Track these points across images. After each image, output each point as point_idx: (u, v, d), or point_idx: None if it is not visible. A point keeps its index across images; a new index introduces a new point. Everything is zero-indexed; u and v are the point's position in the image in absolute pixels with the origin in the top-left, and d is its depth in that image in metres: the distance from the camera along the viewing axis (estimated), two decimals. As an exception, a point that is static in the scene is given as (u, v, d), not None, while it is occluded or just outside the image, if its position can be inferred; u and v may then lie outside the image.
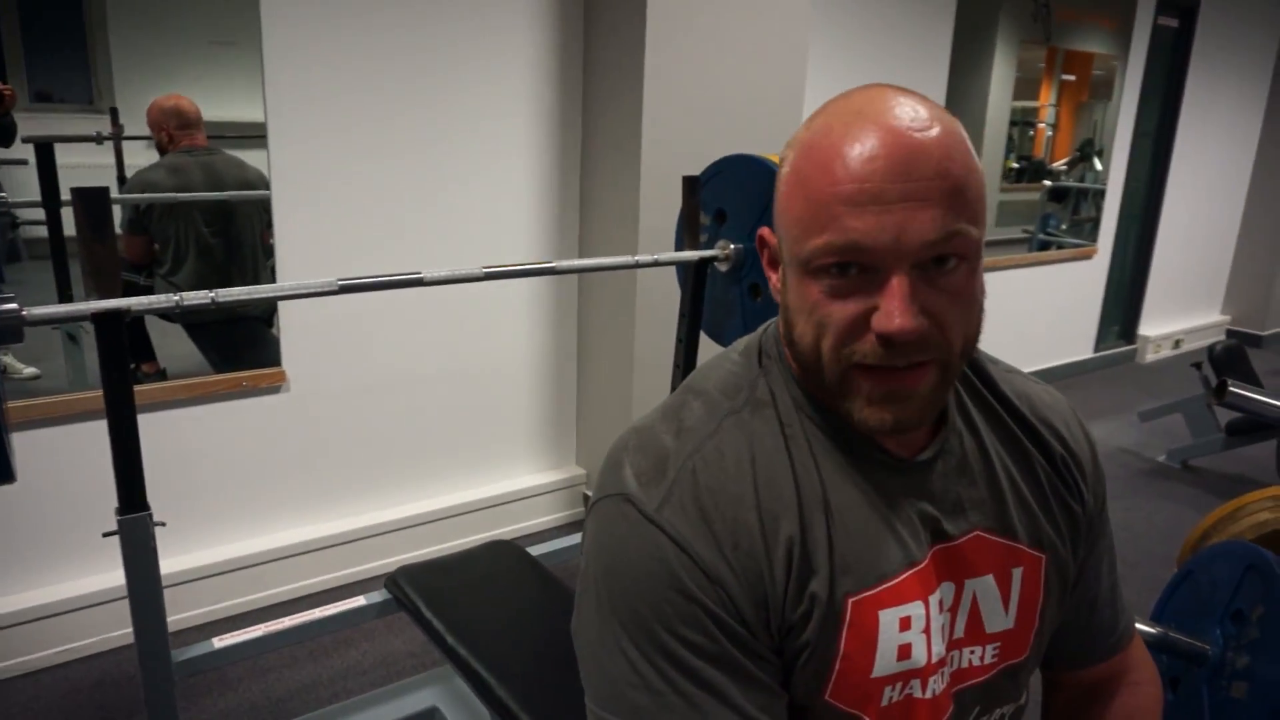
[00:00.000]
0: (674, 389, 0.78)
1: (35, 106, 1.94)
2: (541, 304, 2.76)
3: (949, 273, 0.63)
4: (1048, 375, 4.67)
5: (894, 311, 0.61)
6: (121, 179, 2.10)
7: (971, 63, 3.95)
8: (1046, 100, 4.60)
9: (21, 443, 1.98)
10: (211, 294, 1.24)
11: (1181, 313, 5.63)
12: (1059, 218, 4.82)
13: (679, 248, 1.97)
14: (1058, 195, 4.81)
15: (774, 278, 0.72)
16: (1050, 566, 0.77)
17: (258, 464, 2.34)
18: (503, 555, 1.80)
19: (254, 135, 2.17)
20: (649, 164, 2.49)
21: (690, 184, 1.86)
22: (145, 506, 1.22)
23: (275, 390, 2.31)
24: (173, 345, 2.24)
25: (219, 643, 1.54)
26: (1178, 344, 5.53)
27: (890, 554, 0.69)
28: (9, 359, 2.03)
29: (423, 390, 2.57)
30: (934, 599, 0.71)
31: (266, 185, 2.19)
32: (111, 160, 2.06)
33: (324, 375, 2.38)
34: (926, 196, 0.60)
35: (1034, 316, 4.60)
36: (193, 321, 2.27)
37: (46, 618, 2.05)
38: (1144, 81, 4.75)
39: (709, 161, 1.92)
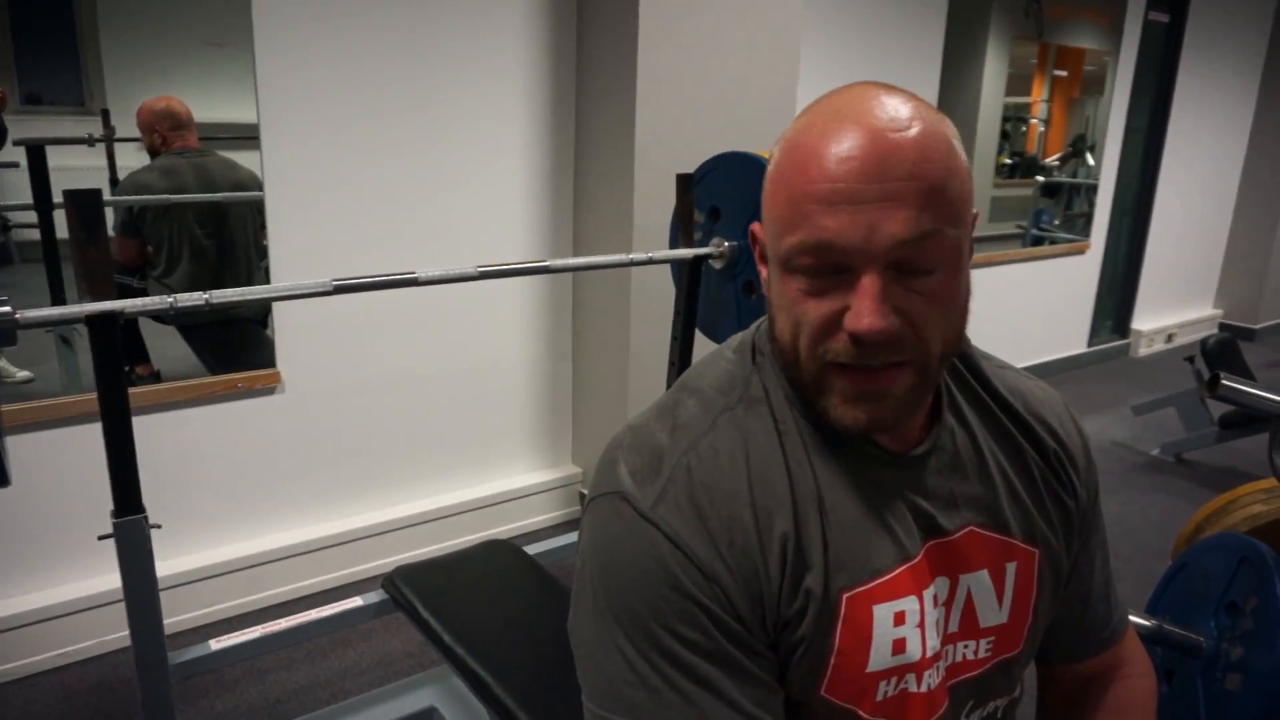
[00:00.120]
0: (669, 387, 0.79)
1: (26, 109, 1.93)
2: (536, 303, 2.76)
3: (924, 274, 0.63)
4: (1042, 370, 4.69)
5: (864, 311, 0.61)
6: (114, 181, 2.09)
7: (964, 59, 3.96)
8: (1039, 96, 4.61)
9: (16, 446, 1.97)
10: (206, 295, 1.24)
11: (1174, 307, 5.65)
12: (1052, 213, 4.84)
13: (673, 245, 1.98)
14: (1050, 191, 4.83)
15: (764, 272, 0.73)
16: (1044, 561, 0.78)
17: (253, 465, 2.33)
18: (499, 554, 1.80)
19: (247, 136, 2.16)
20: (643, 162, 2.49)
21: (684, 182, 1.86)
22: (141, 509, 1.22)
23: (270, 391, 2.31)
24: (167, 347, 2.24)
25: (216, 644, 1.54)
26: (1171, 338, 5.55)
27: (884, 549, 0.70)
28: (2, 363, 2.02)
29: (418, 390, 2.57)
30: (928, 594, 0.71)
31: (259, 186, 2.19)
32: (104, 162, 2.05)
33: (319, 376, 2.38)
34: (900, 196, 0.60)
35: (1028, 312, 4.61)
36: (187, 323, 2.26)
37: (42, 621, 2.04)
38: (1135, 77, 4.77)
39: (703, 159, 1.93)
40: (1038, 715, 0.93)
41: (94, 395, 1.16)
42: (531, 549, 1.90)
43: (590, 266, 1.72)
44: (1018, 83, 4.35)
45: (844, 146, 0.61)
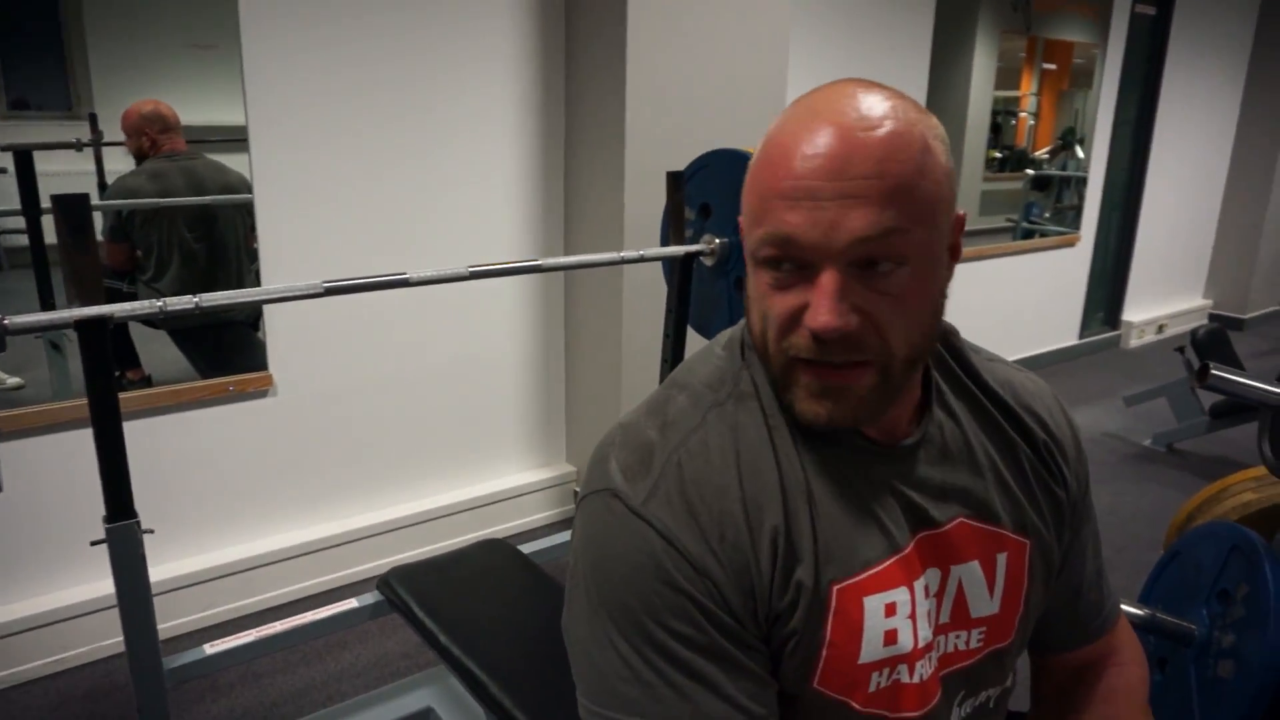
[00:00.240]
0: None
1: (13, 114, 1.92)
2: (528, 302, 2.76)
3: (886, 274, 0.63)
4: (1034, 362, 4.70)
5: (821, 309, 0.62)
6: (102, 185, 2.08)
7: (953, 54, 3.97)
8: (1028, 89, 4.63)
9: (7, 453, 1.96)
10: (195, 299, 1.24)
11: (1164, 298, 5.67)
12: (1042, 206, 4.85)
13: (664, 243, 1.98)
14: (1040, 184, 4.85)
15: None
16: (1034, 551, 0.78)
17: (246, 469, 2.33)
18: (494, 554, 1.80)
19: (235, 139, 2.16)
20: (633, 160, 2.49)
21: (674, 179, 1.87)
22: (133, 514, 1.22)
23: (262, 394, 2.30)
24: (158, 352, 2.23)
25: (211, 648, 1.54)
26: (1161, 329, 5.57)
27: (873, 541, 0.70)
28: (-8, 369, 2.02)
29: (411, 391, 2.57)
30: (919, 584, 0.72)
31: (249, 189, 2.18)
32: (92, 167, 2.04)
33: (311, 378, 2.37)
34: (861, 195, 0.61)
35: (1019, 304, 4.63)
36: (178, 327, 2.25)
37: (35, 629, 2.03)
38: (1123, 69, 4.78)
39: (693, 156, 1.93)
40: (1031, 704, 0.93)
41: (85, 401, 1.16)
42: (526, 548, 1.90)
43: (582, 265, 1.72)
44: (1007, 76, 4.37)
45: (811, 144, 0.62)
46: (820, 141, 0.62)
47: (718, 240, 1.85)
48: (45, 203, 1.97)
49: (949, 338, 0.80)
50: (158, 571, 1.97)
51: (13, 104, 1.92)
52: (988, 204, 4.59)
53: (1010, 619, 0.77)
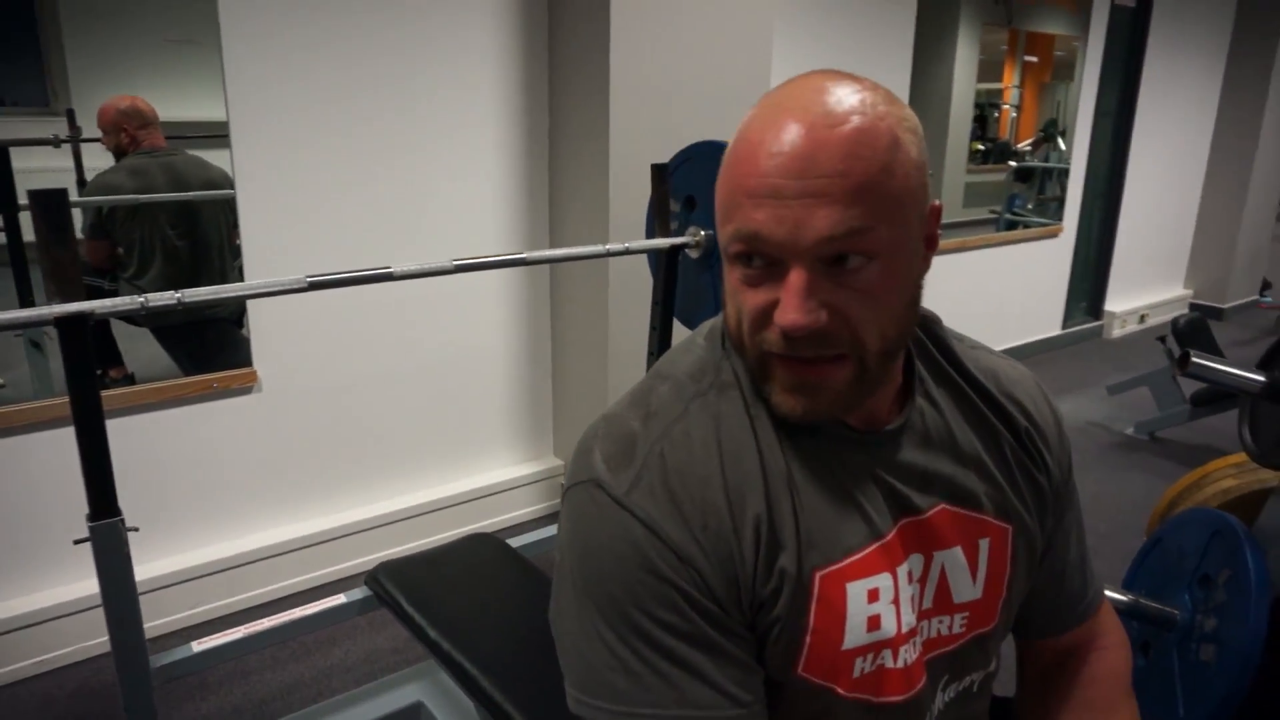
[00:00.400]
0: (647, 376, 0.79)
1: (-12, 110, 1.90)
2: (514, 296, 2.76)
3: (855, 270, 0.63)
4: (1017, 353, 4.73)
5: (788, 307, 0.62)
6: (81, 182, 2.06)
7: (936, 46, 3.98)
8: (1010, 82, 4.65)
9: (-12, 453, 1.95)
10: (178, 294, 1.23)
11: (1146, 288, 5.72)
12: (1025, 198, 4.88)
13: (650, 236, 1.98)
14: (1023, 175, 4.88)
15: None
16: (1017, 537, 0.79)
17: (231, 466, 2.31)
18: (483, 548, 1.80)
19: (216, 134, 2.14)
20: (617, 152, 2.48)
21: (659, 172, 1.87)
22: (117, 512, 1.21)
23: (247, 391, 2.29)
24: (140, 350, 2.21)
25: (198, 646, 1.53)
26: (1143, 319, 5.62)
27: (855, 527, 0.71)
28: (-29, 368, 1.99)
29: (397, 386, 2.56)
30: (902, 570, 0.72)
31: (231, 185, 2.17)
32: (70, 164, 2.02)
33: (296, 374, 2.36)
34: (826, 193, 0.61)
35: (1003, 295, 4.66)
36: (161, 325, 2.23)
37: (18, 629, 2.01)
38: (1104, 62, 4.81)
39: (677, 149, 1.93)
40: (1016, 688, 0.94)
41: (66, 399, 1.15)
42: (514, 542, 1.90)
43: (567, 258, 1.72)
44: (989, 69, 4.38)
45: (777, 142, 0.62)
46: (785, 139, 0.62)
47: (703, 232, 1.86)
48: (23, 199, 1.94)
49: (931, 326, 0.81)
50: (143, 570, 1.96)
51: (-11, 100, 1.90)
52: (971, 196, 4.61)
53: (993, 604, 0.78)
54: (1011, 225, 4.76)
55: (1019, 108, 4.79)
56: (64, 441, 2.00)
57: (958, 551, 0.75)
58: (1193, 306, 5.95)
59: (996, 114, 4.69)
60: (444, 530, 2.66)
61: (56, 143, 1.99)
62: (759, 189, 0.62)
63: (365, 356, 2.48)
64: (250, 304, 2.25)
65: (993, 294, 4.57)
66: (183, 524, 2.27)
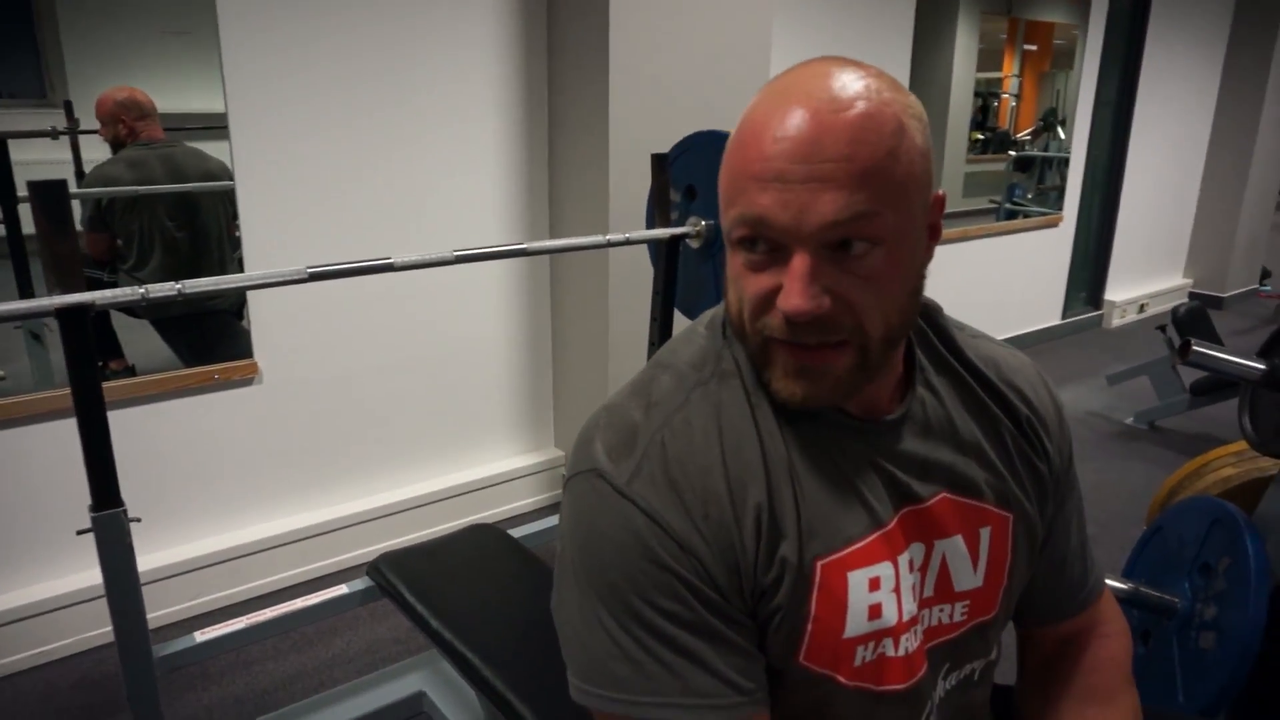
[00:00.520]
0: (648, 366, 0.79)
1: (-14, 102, 1.89)
2: (514, 287, 2.75)
3: (859, 256, 0.63)
4: (1017, 343, 4.72)
5: (792, 292, 0.62)
6: (80, 174, 2.05)
7: (935, 36, 3.97)
8: (1010, 71, 4.64)
9: (-11, 445, 1.95)
10: (178, 285, 1.23)
11: (1145, 277, 5.72)
12: (1025, 187, 4.87)
13: (650, 226, 1.97)
14: (1023, 165, 4.86)
15: None
16: (1018, 525, 0.79)
17: (233, 457, 2.32)
18: (484, 538, 1.80)
19: (214, 126, 2.13)
20: (617, 143, 2.48)
21: (659, 161, 1.86)
22: (119, 502, 1.21)
23: (248, 382, 2.29)
24: (140, 342, 2.21)
25: (201, 636, 1.53)
26: (1142, 308, 5.62)
27: (856, 516, 0.71)
28: (-28, 360, 1.99)
29: (398, 377, 2.56)
30: (903, 559, 0.72)
31: (230, 176, 2.16)
32: (68, 155, 2.01)
33: (297, 366, 2.36)
34: (830, 178, 0.60)
35: (1003, 285, 4.66)
36: (161, 317, 2.23)
37: (20, 620, 2.02)
38: (1104, 50, 4.79)
39: (677, 138, 1.92)
40: (1017, 676, 0.95)
41: (67, 391, 1.15)
42: (516, 532, 1.91)
43: (567, 249, 1.71)
44: (989, 58, 4.37)
45: (782, 126, 0.62)
46: (791, 123, 0.61)
47: (703, 222, 1.85)
48: (22, 191, 1.94)
49: (932, 314, 0.81)
50: (146, 561, 1.96)
51: (-14, 92, 1.89)
52: (971, 185, 4.60)
53: (994, 592, 0.78)
54: (1011, 215, 4.75)
55: (1018, 97, 4.77)
56: (64, 433, 2.01)
57: (959, 540, 0.76)
58: (1192, 296, 5.95)
59: (996, 103, 4.67)
60: (445, 521, 2.67)
61: (54, 134, 1.98)
62: (764, 173, 0.62)
63: (366, 348, 2.48)
64: (250, 295, 2.25)
65: (992, 284, 4.57)
66: (184, 515, 2.28)
